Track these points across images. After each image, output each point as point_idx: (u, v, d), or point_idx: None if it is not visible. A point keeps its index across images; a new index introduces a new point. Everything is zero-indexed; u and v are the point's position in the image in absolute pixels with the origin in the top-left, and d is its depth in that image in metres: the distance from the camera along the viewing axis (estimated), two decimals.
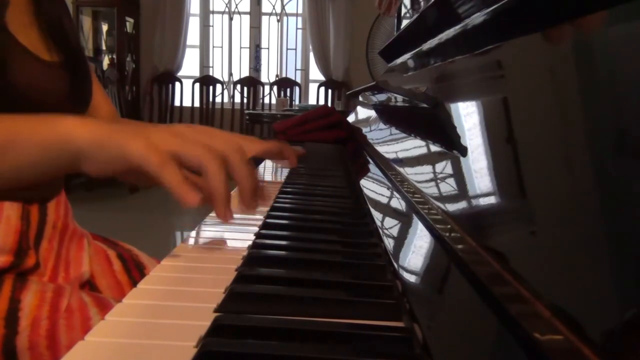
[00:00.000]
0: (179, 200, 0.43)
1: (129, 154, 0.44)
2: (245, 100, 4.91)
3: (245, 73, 5.03)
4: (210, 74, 5.03)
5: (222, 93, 4.97)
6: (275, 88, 4.94)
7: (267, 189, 0.80)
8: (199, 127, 0.49)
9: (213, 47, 5.06)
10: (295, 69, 5.10)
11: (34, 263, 0.61)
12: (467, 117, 0.43)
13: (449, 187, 0.43)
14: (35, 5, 0.67)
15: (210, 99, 4.89)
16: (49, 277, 0.63)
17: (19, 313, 0.54)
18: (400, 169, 0.60)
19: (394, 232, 0.52)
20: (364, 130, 1.18)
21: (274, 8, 4.99)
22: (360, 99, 1.63)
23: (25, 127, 0.47)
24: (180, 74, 4.92)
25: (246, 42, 5.03)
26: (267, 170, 1.00)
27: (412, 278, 0.38)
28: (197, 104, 4.89)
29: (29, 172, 0.48)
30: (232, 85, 4.97)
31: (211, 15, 5.02)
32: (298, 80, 5.03)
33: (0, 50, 0.58)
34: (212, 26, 5.04)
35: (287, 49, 5.08)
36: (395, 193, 0.60)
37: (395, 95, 0.91)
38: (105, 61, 4.74)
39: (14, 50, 0.60)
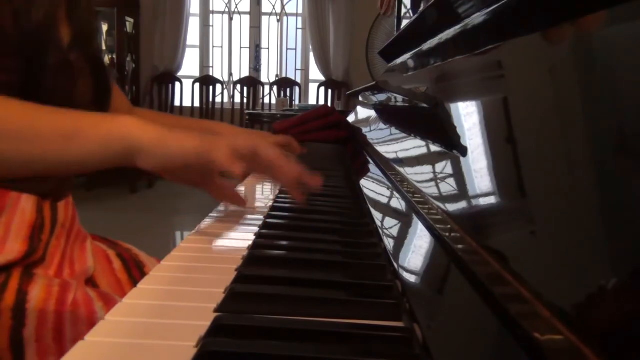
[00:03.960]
0: (229, 173, 0.53)
1: (210, 154, 0.52)
2: (245, 100, 4.91)
3: (245, 73, 5.02)
4: (210, 74, 5.02)
5: (222, 93, 4.96)
6: (275, 88, 4.94)
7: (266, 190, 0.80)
8: (237, 129, 0.60)
9: (213, 47, 5.05)
10: (295, 69, 5.09)
11: (41, 255, 0.61)
12: (467, 117, 0.43)
13: (449, 187, 0.43)
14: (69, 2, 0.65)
15: (210, 99, 4.89)
16: (54, 272, 0.63)
17: (26, 305, 0.54)
18: (400, 169, 0.60)
19: (394, 232, 0.52)
20: (364, 130, 1.18)
21: (274, 8, 4.99)
22: (360, 99, 1.63)
23: (88, 120, 0.52)
24: (180, 74, 4.92)
25: (246, 42, 5.03)
26: None
27: (412, 278, 0.38)
28: (197, 104, 4.88)
29: (87, 161, 0.54)
30: (232, 85, 4.97)
31: (211, 15, 5.02)
32: (298, 80, 5.03)
33: (43, 42, 0.57)
34: (212, 26, 5.03)
35: (287, 49, 5.08)
36: (395, 193, 0.60)
37: (395, 95, 0.91)
38: (105, 61, 4.74)
39: (55, 47, 0.59)
